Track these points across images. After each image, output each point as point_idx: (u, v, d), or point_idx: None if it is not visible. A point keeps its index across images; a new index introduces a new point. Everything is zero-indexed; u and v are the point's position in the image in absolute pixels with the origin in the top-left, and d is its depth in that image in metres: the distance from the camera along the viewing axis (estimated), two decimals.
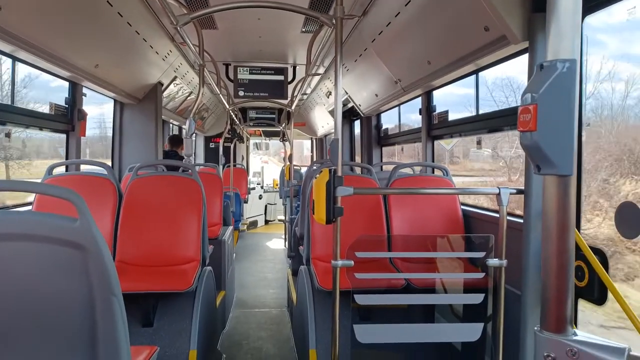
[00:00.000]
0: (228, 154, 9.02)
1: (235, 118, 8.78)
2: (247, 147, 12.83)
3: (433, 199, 3.64)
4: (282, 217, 10.73)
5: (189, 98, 7.25)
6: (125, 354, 1.45)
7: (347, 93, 6.35)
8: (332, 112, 8.00)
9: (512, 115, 3.04)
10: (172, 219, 3.40)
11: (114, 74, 4.50)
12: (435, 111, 4.48)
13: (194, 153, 9.80)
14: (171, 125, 7.68)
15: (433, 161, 4.60)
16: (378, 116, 6.65)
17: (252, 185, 11.89)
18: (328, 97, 7.77)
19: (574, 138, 1.20)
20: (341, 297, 2.25)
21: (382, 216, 3.64)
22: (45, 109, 3.91)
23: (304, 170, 9.24)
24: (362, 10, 3.84)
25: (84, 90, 4.31)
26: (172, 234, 3.37)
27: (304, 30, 4.91)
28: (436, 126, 4.45)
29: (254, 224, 11.70)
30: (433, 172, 4.27)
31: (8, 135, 3.48)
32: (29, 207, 3.38)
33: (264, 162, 15.15)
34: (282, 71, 6.10)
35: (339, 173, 2.26)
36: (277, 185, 12.01)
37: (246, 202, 10.46)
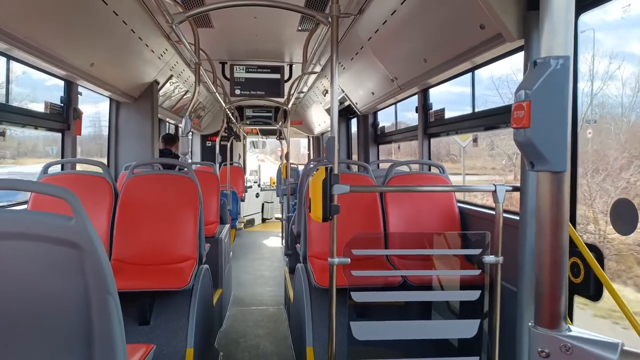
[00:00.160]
0: (225, 153, 9.01)
1: (231, 116, 8.77)
2: (244, 146, 12.82)
3: (429, 197, 3.65)
4: (279, 215, 10.73)
5: (185, 97, 7.23)
6: (121, 352, 1.45)
7: (343, 91, 6.35)
8: (328, 111, 7.99)
9: (508, 112, 3.05)
10: (168, 218, 3.39)
11: (109, 73, 4.48)
12: (431, 109, 4.49)
13: (191, 152, 9.79)
14: (167, 123, 7.66)
15: (429, 159, 4.60)
16: (375, 114, 6.65)
17: (249, 184, 11.88)
18: (325, 96, 7.77)
19: (567, 134, 1.20)
20: (338, 294, 2.26)
21: (379, 214, 3.64)
22: (33, 106, 3.88)
23: (301, 168, 9.24)
24: (358, 9, 3.84)
25: (80, 89, 4.30)
26: (169, 233, 3.37)
27: (300, 28, 4.90)
28: (433, 124, 4.46)
29: (251, 222, 11.70)
30: (430, 170, 4.27)
31: (3, 134, 3.46)
32: (25, 206, 3.37)
33: (260, 161, 15.15)
34: (278, 69, 6.09)
35: (336, 171, 2.26)
36: (274, 183, 12.00)
37: (243, 200, 10.45)
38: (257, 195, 12.14)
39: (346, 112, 7.92)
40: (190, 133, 7.65)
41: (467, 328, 2.28)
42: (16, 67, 3.47)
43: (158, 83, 5.69)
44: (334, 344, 2.29)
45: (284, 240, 7.74)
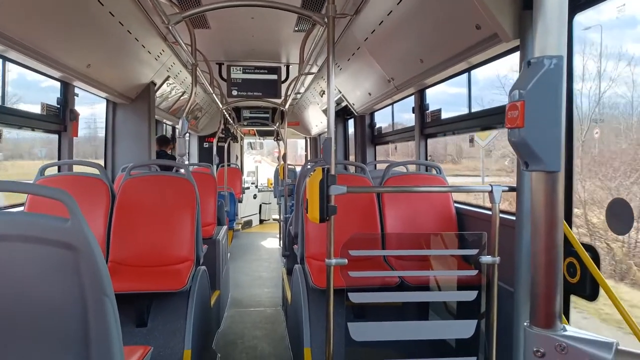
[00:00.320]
0: (222, 154, 9.00)
1: (229, 117, 8.77)
2: (241, 147, 12.81)
3: (426, 197, 3.66)
4: (277, 217, 10.72)
5: (182, 98, 7.22)
6: (118, 354, 1.45)
7: (340, 92, 6.35)
8: (325, 111, 8.01)
9: (503, 113, 3.05)
10: (165, 219, 3.39)
11: (106, 74, 4.47)
12: (428, 109, 4.49)
13: (188, 153, 9.77)
14: (165, 125, 7.65)
15: (426, 159, 4.61)
16: (372, 115, 6.66)
17: (246, 185, 11.87)
18: (322, 96, 7.77)
19: (561, 134, 1.21)
20: (335, 295, 2.26)
21: (376, 214, 3.64)
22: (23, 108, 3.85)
23: (298, 169, 9.24)
24: (354, 9, 3.85)
25: (76, 90, 4.29)
26: (166, 234, 3.36)
27: (296, 29, 4.91)
28: (429, 124, 4.46)
29: (248, 224, 11.69)
30: (427, 171, 4.28)
31: None
32: (21, 208, 3.36)
33: (257, 162, 15.13)
34: (275, 70, 6.09)
35: (333, 172, 2.26)
36: (271, 184, 12.00)
37: (240, 201, 10.44)
38: (255, 197, 12.13)
39: (343, 113, 7.93)
40: (188, 134, 7.65)
41: (465, 328, 2.29)
42: (10, 68, 3.46)
43: (155, 84, 5.69)
44: (331, 345, 2.29)
45: (281, 242, 7.74)
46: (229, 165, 9.18)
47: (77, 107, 4.31)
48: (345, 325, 2.24)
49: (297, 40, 4.95)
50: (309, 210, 2.27)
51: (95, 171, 3.57)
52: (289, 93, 6.48)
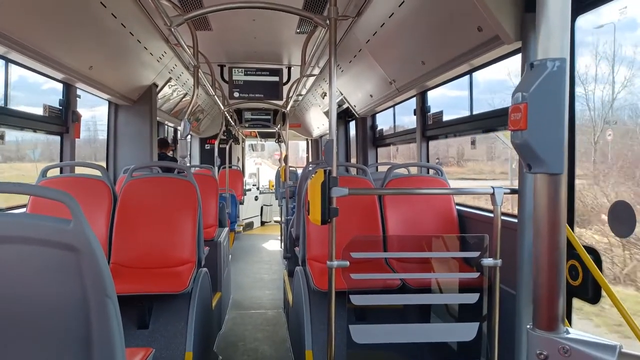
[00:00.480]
0: (223, 156, 9.01)
1: (230, 119, 8.78)
2: (243, 149, 12.82)
3: (428, 199, 3.65)
4: (278, 219, 10.72)
5: (184, 99, 7.23)
6: (120, 356, 1.45)
7: (342, 94, 6.35)
8: (327, 113, 8.01)
9: (506, 115, 3.05)
10: (167, 221, 3.39)
11: (108, 76, 4.48)
12: (429, 112, 4.49)
13: (189, 155, 9.79)
14: (166, 126, 7.66)
15: (427, 161, 4.61)
16: (373, 117, 6.65)
17: (247, 187, 11.87)
18: (323, 98, 7.77)
19: (564, 136, 1.21)
20: (337, 297, 2.26)
21: (378, 217, 3.64)
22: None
23: (299, 171, 9.24)
24: (356, 11, 3.85)
25: (78, 92, 4.30)
26: (168, 236, 3.36)
27: (298, 31, 4.91)
28: (431, 127, 4.46)
29: (249, 226, 11.69)
30: (428, 173, 4.28)
31: (1, 137, 3.46)
32: (23, 209, 3.37)
33: (257, 164, 15.13)
34: (277, 72, 6.09)
35: (334, 174, 2.26)
36: (272, 186, 12.00)
37: (242, 203, 10.45)
38: (256, 199, 12.13)
39: (345, 115, 7.93)
40: (189, 136, 7.65)
41: (466, 331, 2.28)
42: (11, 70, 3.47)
43: (157, 86, 5.70)
44: (333, 347, 2.28)
45: (283, 243, 7.73)
46: (230, 167, 9.19)
47: (78, 109, 4.32)
48: (347, 328, 2.24)
49: (298, 42, 4.96)
50: (311, 212, 2.26)
51: (97, 173, 3.57)
52: (290, 95, 6.48)
